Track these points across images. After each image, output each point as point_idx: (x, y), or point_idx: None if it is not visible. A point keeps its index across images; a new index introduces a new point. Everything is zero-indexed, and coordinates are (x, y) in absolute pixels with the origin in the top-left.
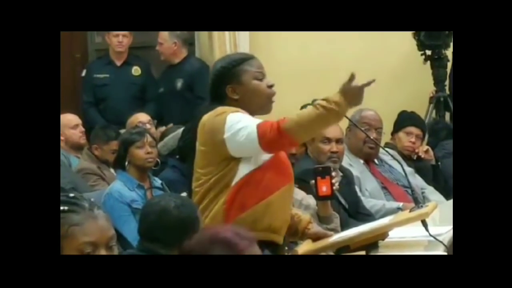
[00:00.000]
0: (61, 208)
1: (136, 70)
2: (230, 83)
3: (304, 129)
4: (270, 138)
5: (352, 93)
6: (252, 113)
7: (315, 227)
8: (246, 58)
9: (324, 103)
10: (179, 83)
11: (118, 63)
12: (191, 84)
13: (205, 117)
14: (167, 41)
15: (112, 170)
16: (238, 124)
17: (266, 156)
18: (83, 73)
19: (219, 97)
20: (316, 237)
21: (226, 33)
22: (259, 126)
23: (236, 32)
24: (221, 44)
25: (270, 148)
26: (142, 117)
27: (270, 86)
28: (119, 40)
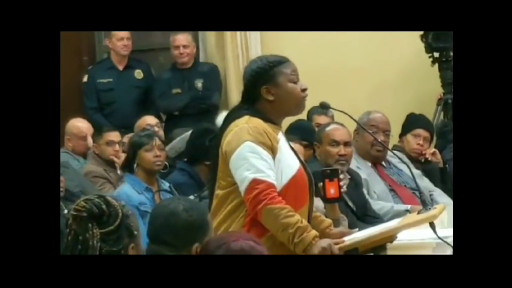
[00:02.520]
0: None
1: (138, 74)
2: (265, 84)
3: (271, 225)
4: (250, 200)
5: (321, 249)
6: (285, 114)
7: (337, 228)
8: (282, 61)
9: (297, 236)
10: (199, 84)
11: (121, 67)
12: (206, 84)
13: (233, 125)
14: (191, 44)
15: (118, 172)
16: (246, 161)
17: (284, 181)
18: (85, 79)
19: (252, 98)
20: (341, 236)
21: (238, 34)
22: (253, 182)
23: (248, 34)
24: (234, 47)
25: (246, 201)
26: (150, 120)
27: (304, 90)
28: (124, 44)
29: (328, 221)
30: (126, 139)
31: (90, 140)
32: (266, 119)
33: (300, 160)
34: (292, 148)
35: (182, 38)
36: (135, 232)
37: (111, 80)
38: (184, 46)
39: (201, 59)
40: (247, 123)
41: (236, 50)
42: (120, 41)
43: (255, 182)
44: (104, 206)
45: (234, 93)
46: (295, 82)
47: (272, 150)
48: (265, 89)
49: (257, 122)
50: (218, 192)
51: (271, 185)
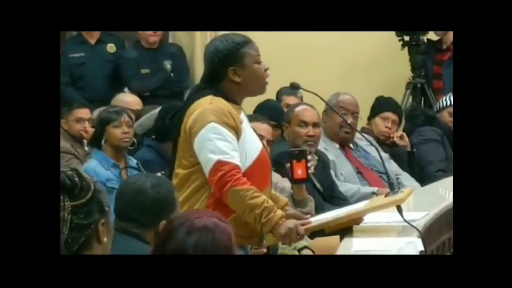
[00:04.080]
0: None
1: (111, 47)
2: (233, 65)
3: (237, 207)
4: (215, 181)
5: (287, 229)
6: (249, 94)
7: (293, 210)
8: (247, 41)
9: (263, 216)
10: (168, 65)
11: (92, 41)
12: (176, 65)
13: (196, 105)
14: None
15: (86, 148)
16: (210, 142)
17: (248, 163)
18: None
19: (216, 78)
20: (294, 218)
21: None
22: (217, 164)
23: None
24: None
25: (211, 183)
26: (138, 106)
27: (266, 70)
28: None
29: (284, 200)
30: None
31: None
32: (228, 99)
33: (261, 141)
34: (253, 129)
35: None
36: (106, 208)
37: (83, 54)
38: None
39: (170, 36)
40: (211, 103)
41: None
42: None
43: (219, 164)
44: (76, 179)
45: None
46: (259, 63)
47: (237, 131)
48: (232, 70)
49: (221, 102)
50: (179, 171)
51: (235, 167)
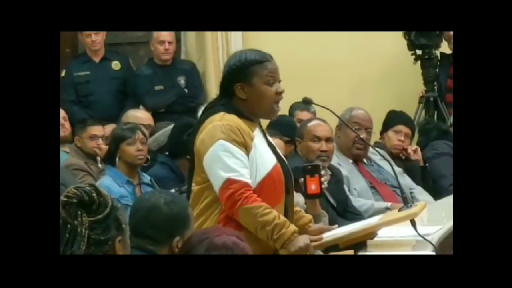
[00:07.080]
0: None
1: (116, 65)
2: (240, 82)
3: (249, 224)
4: (225, 199)
5: (298, 248)
6: (257, 115)
7: (317, 225)
8: (260, 60)
9: (275, 233)
10: (182, 81)
11: (97, 59)
12: (190, 81)
13: (208, 121)
14: (174, 41)
15: (99, 165)
16: (219, 160)
17: (258, 178)
18: (63, 74)
19: (227, 93)
20: (320, 232)
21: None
22: (227, 182)
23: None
24: (214, 40)
25: (221, 201)
26: (149, 121)
27: (279, 93)
28: (92, 39)
29: (308, 217)
30: (108, 129)
31: (67, 126)
32: (241, 115)
33: (278, 156)
34: (270, 144)
35: (167, 34)
36: (124, 225)
37: (87, 72)
38: (169, 43)
39: (182, 53)
40: (221, 120)
41: (216, 43)
42: (87, 38)
43: (229, 182)
44: (94, 195)
45: (213, 88)
46: (270, 84)
47: (246, 147)
48: (239, 86)
49: (231, 119)
50: (194, 187)
51: (245, 184)
